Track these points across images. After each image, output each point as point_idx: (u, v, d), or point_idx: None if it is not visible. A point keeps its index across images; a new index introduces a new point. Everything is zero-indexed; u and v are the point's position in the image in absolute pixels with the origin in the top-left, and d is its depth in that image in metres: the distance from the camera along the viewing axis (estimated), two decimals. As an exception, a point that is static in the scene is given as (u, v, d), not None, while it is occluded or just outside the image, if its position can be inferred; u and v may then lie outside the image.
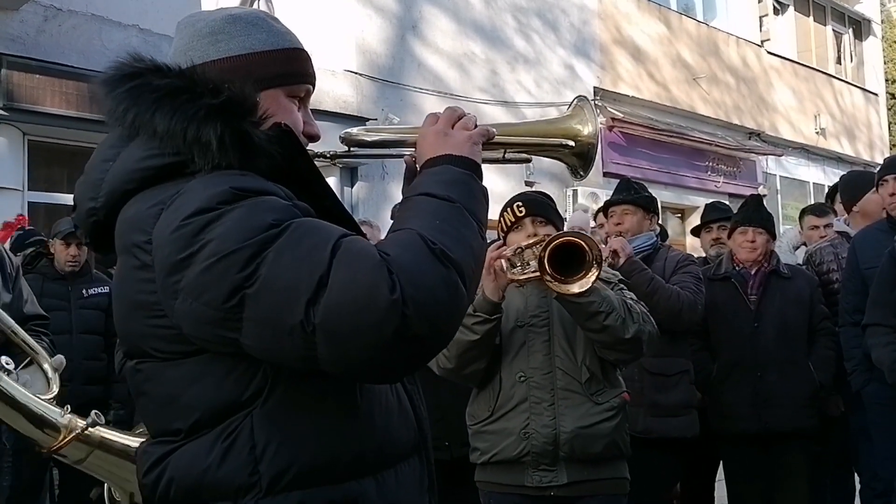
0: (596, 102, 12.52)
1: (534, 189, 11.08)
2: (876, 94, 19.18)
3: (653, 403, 3.90)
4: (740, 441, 4.21)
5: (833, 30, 18.37)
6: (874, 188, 4.29)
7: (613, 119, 12.51)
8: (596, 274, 2.70)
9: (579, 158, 1.70)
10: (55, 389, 2.68)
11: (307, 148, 1.50)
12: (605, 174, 11.89)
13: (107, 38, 7.76)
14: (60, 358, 2.83)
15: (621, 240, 3.91)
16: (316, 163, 1.49)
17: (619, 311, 2.83)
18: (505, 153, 1.66)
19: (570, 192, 11.40)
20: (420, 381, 4.11)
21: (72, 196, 1.53)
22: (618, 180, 4.77)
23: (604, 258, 2.86)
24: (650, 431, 3.85)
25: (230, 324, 1.22)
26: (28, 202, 7.40)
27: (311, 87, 1.53)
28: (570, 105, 1.76)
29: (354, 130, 1.65)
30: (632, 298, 2.99)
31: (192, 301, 1.24)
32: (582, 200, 10.72)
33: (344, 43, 9.76)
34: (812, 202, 15.12)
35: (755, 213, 4.40)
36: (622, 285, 3.07)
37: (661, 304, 3.63)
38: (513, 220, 3.11)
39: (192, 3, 7.48)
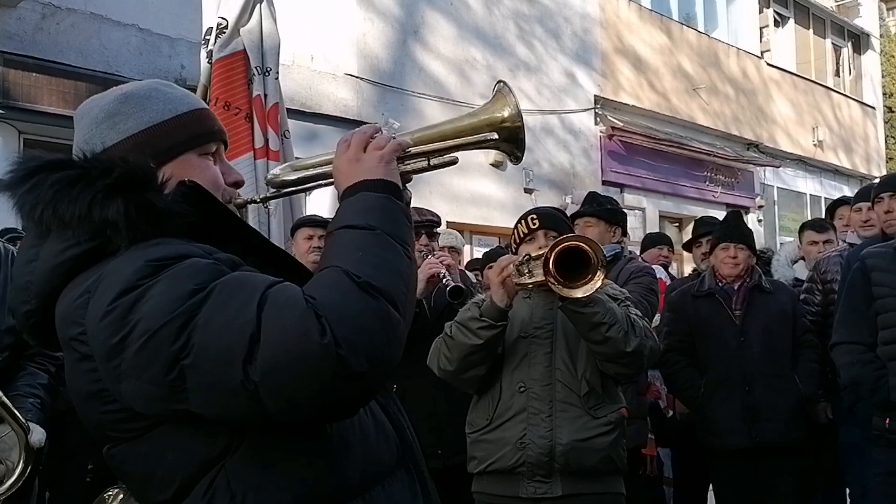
0: (596, 111, 12.55)
1: (534, 197, 11.12)
2: (873, 108, 19.27)
3: None
4: (730, 457, 4.18)
5: (832, 43, 18.45)
6: (870, 203, 4.28)
7: (613, 128, 12.55)
8: (600, 280, 2.71)
9: (510, 143, 1.66)
10: (20, 468, 2.61)
11: (241, 197, 1.55)
12: (605, 182, 11.91)
13: (105, 37, 7.74)
14: (41, 436, 2.78)
15: None
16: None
17: (622, 324, 2.85)
18: (430, 161, 1.61)
19: (568, 200, 11.43)
20: (416, 390, 4.05)
21: None
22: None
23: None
24: None
25: (176, 396, 1.24)
26: (23, 200, 7.36)
27: (221, 143, 1.55)
28: (493, 91, 1.69)
29: (277, 171, 1.66)
30: (636, 314, 3.00)
31: (136, 381, 1.25)
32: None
33: (345, 46, 9.75)
34: (809, 214, 15.20)
35: (735, 229, 4.41)
36: (628, 302, 3.08)
37: None
38: (526, 231, 3.19)
39: (190, 2, 7.45)
